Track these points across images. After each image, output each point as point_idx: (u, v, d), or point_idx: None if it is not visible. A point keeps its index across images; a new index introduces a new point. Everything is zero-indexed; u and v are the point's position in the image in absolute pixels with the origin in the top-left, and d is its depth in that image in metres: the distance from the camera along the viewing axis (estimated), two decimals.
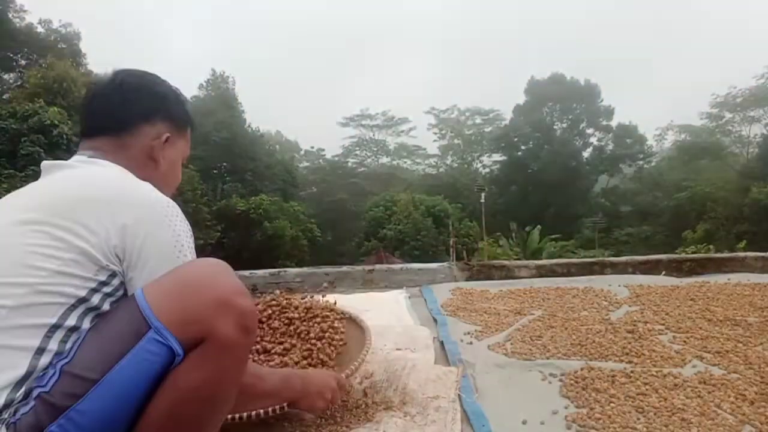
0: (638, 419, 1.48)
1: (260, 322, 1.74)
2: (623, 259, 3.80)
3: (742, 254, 3.76)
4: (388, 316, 2.64)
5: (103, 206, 1.07)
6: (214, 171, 32.16)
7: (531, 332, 2.28)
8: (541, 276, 3.55)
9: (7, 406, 0.92)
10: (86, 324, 1.02)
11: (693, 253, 14.32)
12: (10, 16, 24.41)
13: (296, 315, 1.80)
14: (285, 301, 1.85)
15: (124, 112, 1.27)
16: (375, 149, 47.33)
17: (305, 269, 3.61)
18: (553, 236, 26.80)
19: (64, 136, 18.51)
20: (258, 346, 1.68)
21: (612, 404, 1.57)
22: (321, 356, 1.64)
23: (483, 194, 27.63)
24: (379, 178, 43.50)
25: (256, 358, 1.64)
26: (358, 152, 47.15)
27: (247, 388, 1.21)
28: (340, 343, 1.72)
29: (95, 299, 1.04)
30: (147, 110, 1.30)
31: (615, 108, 40.37)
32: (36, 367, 0.96)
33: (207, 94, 34.23)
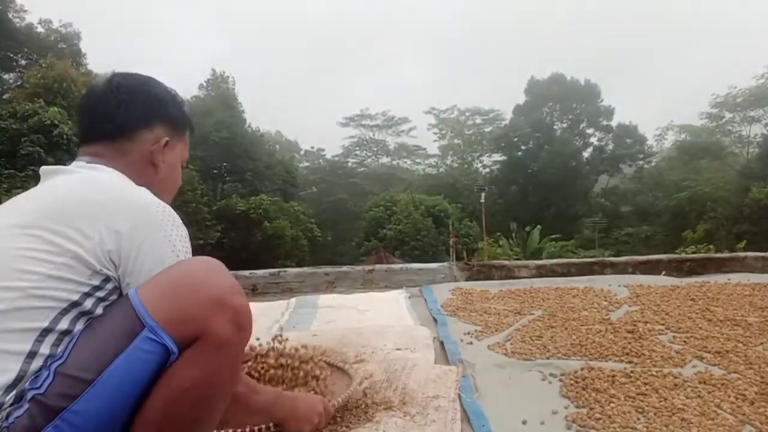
0: (638, 419, 1.48)
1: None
2: (623, 259, 3.80)
3: (742, 254, 3.76)
4: (388, 316, 2.64)
5: (98, 211, 1.07)
6: (214, 171, 32.16)
7: (531, 332, 2.28)
8: (541, 276, 3.56)
9: None
10: (79, 328, 1.02)
11: (693, 253, 14.32)
12: (10, 16, 24.41)
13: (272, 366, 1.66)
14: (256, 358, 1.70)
15: (122, 117, 1.26)
16: (375, 149, 47.36)
17: (305, 269, 3.61)
18: (553, 236, 26.80)
19: (64, 136, 18.50)
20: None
21: (612, 404, 1.57)
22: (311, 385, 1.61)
23: (483, 194, 27.64)
24: (379, 178, 43.51)
25: None
26: (358, 152, 47.19)
27: (240, 397, 1.20)
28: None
29: (88, 303, 1.03)
30: (145, 114, 1.29)
31: (615, 108, 40.42)
32: (27, 371, 0.95)
33: (207, 94, 34.25)
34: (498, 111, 44.61)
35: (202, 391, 1.02)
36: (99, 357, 0.96)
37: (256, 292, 3.33)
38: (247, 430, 1.29)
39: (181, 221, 1.16)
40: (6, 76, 26.27)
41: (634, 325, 2.30)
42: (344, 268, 3.59)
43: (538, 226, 27.20)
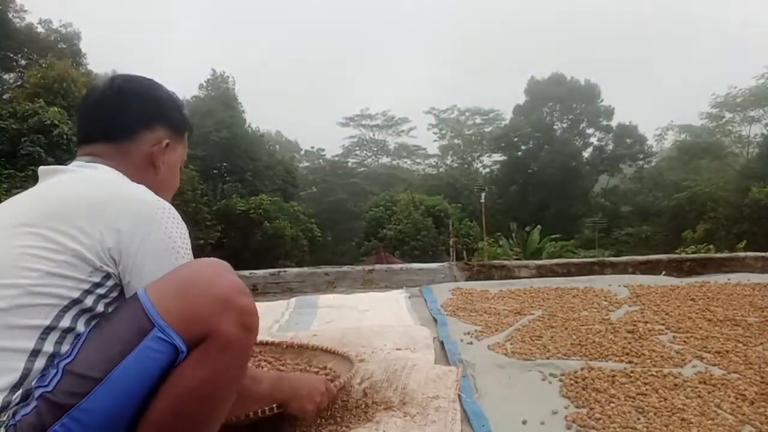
0: (638, 419, 1.48)
1: None
2: (623, 259, 3.80)
3: (742, 254, 3.76)
4: (388, 316, 2.64)
5: (98, 209, 1.07)
6: (214, 171, 32.18)
7: (531, 332, 2.27)
8: (541, 276, 3.55)
9: (4, 408, 0.92)
10: (80, 325, 1.02)
11: (693, 253, 14.33)
12: (10, 16, 24.41)
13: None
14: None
15: (123, 119, 1.27)
16: (375, 149, 47.40)
17: (305, 269, 3.61)
18: (553, 236, 26.81)
19: (64, 136, 18.51)
20: None
21: (612, 404, 1.57)
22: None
23: (483, 194, 27.68)
24: (379, 178, 43.54)
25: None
26: (358, 152, 47.24)
27: (243, 390, 1.21)
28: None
29: (89, 301, 1.04)
30: (146, 116, 1.30)
31: (615, 108, 40.47)
32: (32, 369, 0.96)
33: (207, 94, 34.26)
34: (498, 111, 44.71)
35: (209, 390, 1.02)
36: (108, 355, 0.96)
37: (256, 292, 3.32)
38: (251, 414, 1.29)
39: (180, 218, 1.17)
40: (6, 76, 26.29)
41: (634, 325, 2.30)
42: (344, 268, 3.58)
43: (538, 226, 27.21)
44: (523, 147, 40.32)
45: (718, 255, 3.98)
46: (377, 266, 3.68)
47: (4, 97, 23.80)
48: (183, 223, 1.16)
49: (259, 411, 1.30)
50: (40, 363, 0.96)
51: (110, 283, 1.07)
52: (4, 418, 0.91)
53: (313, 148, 47.64)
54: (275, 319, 2.64)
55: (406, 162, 47.83)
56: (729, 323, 2.32)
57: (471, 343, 2.21)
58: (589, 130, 41.31)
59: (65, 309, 1.01)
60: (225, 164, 32.02)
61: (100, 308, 1.05)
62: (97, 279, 1.05)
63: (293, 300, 3.01)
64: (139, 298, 1.01)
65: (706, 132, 36.21)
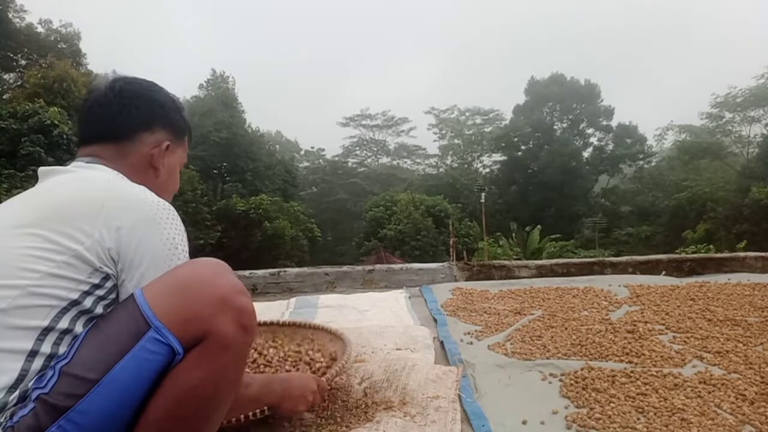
0: (638, 419, 1.48)
1: None
2: (623, 259, 3.80)
3: (742, 254, 3.75)
4: (388, 316, 2.64)
5: (98, 209, 1.07)
6: (214, 171, 32.17)
7: (531, 332, 2.27)
8: (541, 276, 3.55)
9: (1, 409, 0.92)
10: (79, 327, 1.02)
11: (693, 253, 14.33)
12: (10, 16, 24.40)
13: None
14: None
15: (123, 120, 1.27)
16: (375, 149, 47.39)
17: (305, 269, 3.60)
18: (553, 236, 26.84)
19: (64, 136, 18.51)
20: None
21: (612, 404, 1.57)
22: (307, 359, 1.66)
23: (483, 194, 27.68)
24: (379, 178, 43.54)
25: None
26: (358, 152, 47.24)
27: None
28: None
29: (88, 302, 1.04)
30: (147, 118, 1.30)
31: (615, 108, 40.48)
32: (29, 370, 0.95)
33: (207, 94, 34.26)
34: (498, 111, 44.70)
35: (207, 391, 1.02)
36: (104, 357, 0.96)
37: (256, 292, 3.32)
38: (242, 417, 1.29)
39: (180, 219, 1.17)
40: (6, 76, 26.27)
41: (634, 325, 2.30)
42: (344, 268, 3.58)
43: (538, 226, 27.24)
44: (523, 147, 40.32)
45: (718, 255, 3.97)
46: (377, 266, 3.67)
47: (4, 97, 23.79)
48: (182, 225, 1.17)
49: (250, 414, 1.30)
50: (37, 364, 0.96)
51: (109, 284, 1.07)
52: (2, 420, 0.91)
53: (313, 148, 47.70)
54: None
55: (406, 162, 47.85)
56: (729, 323, 2.32)
57: (471, 343, 2.21)
58: (589, 130, 41.33)
59: (64, 310, 1.01)
60: (225, 164, 32.02)
61: (99, 310, 1.05)
62: (96, 280, 1.05)
63: (293, 300, 3.01)
64: (135, 299, 1.01)
65: (706, 132, 36.18)
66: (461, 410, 1.56)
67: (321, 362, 1.69)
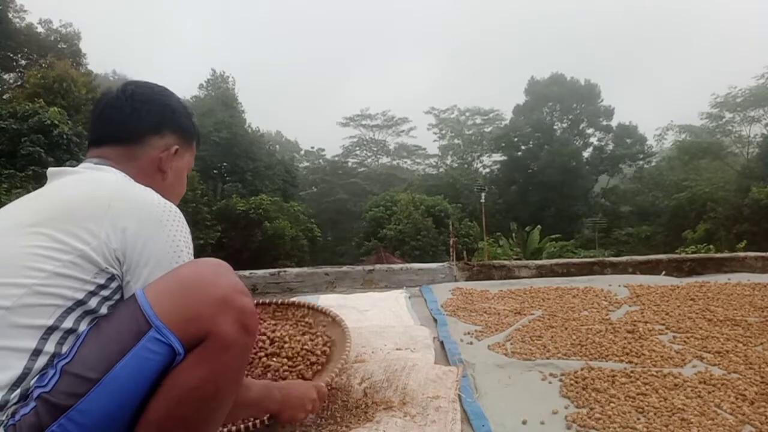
0: (638, 419, 1.48)
1: None
2: (623, 259, 3.80)
3: (742, 254, 3.75)
4: (388, 316, 2.64)
5: (105, 210, 1.08)
6: (214, 171, 32.18)
7: (531, 332, 2.27)
8: (541, 276, 3.55)
9: (2, 407, 0.92)
10: (83, 327, 1.02)
11: (693, 253, 14.32)
12: (10, 16, 24.39)
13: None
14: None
15: (134, 123, 1.29)
16: (375, 149, 47.39)
17: (305, 269, 3.60)
18: (553, 236, 26.84)
19: (64, 136, 18.52)
20: None
21: (612, 404, 1.57)
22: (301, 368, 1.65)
23: (483, 194, 27.68)
24: (379, 178, 43.55)
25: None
26: (358, 152, 47.23)
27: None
28: (319, 361, 1.69)
29: (93, 302, 1.04)
30: (157, 122, 1.32)
31: (615, 108, 40.48)
32: (32, 369, 0.96)
33: (207, 94, 34.28)
34: (498, 111, 44.69)
35: (208, 391, 1.02)
36: (105, 356, 0.97)
37: (256, 292, 3.32)
38: (242, 425, 1.29)
39: (185, 221, 1.18)
40: (6, 76, 26.26)
41: (634, 325, 2.30)
42: (344, 268, 3.58)
43: (538, 226, 27.24)
44: (523, 147, 40.31)
45: (718, 255, 3.97)
46: (377, 266, 3.67)
47: (4, 97, 23.78)
48: (187, 227, 1.18)
49: (251, 423, 1.30)
50: (40, 363, 0.97)
51: (114, 285, 1.07)
52: (3, 417, 0.92)
53: (313, 148, 47.70)
54: None
55: (406, 162, 47.84)
56: (729, 323, 2.32)
57: (471, 343, 2.21)
58: (589, 130, 41.33)
59: (69, 310, 1.01)
60: (225, 164, 32.02)
61: (103, 310, 1.06)
62: (101, 281, 1.05)
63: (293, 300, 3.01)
64: (136, 299, 1.02)
65: (706, 132, 36.16)
66: (461, 410, 1.56)
67: (317, 354, 1.68)
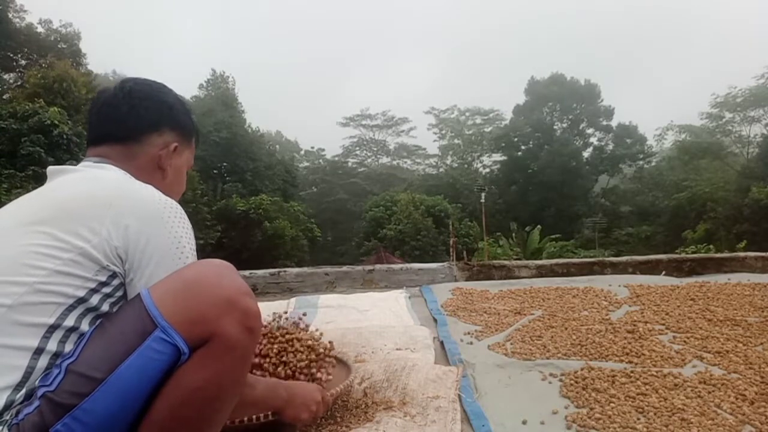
0: (638, 419, 1.48)
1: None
2: (623, 259, 3.80)
3: (742, 254, 3.76)
4: (388, 316, 2.65)
5: (106, 207, 1.08)
6: (214, 171, 32.17)
7: (531, 332, 2.28)
8: (541, 276, 3.55)
9: (7, 407, 0.92)
10: (85, 325, 1.02)
11: (693, 253, 14.32)
12: (10, 16, 24.38)
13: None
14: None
15: (132, 121, 1.28)
16: (375, 149, 47.39)
17: (305, 269, 3.60)
18: (553, 236, 26.84)
19: (64, 136, 18.51)
20: None
21: (612, 404, 1.57)
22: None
23: (483, 194, 27.68)
24: (379, 178, 43.54)
25: None
26: (358, 152, 47.23)
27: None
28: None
29: (94, 300, 1.04)
30: (155, 119, 1.31)
31: (615, 108, 40.46)
32: (35, 368, 0.96)
33: (207, 94, 34.27)
34: (498, 111, 44.68)
35: (211, 391, 1.02)
36: (110, 356, 0.97)
37: (256, 292, 3.32)
38: (245, 419, 1.29)
39: (187, 217, 1.17)
40: (6, 76, 26.25)
41: (634, 325, 2.30)
42: (344, 268, 3.58)
43: (538, 226, 27.24)
44: (523, 147, 40.31)
45: (718, 255, 3.97)
46: (377, 266, 3.67)
47: (4, 97, 23.77)
48: (189, 224, 1.17)
49: (254, 417, 1.30)
50: (43, 361, 0.97)
51: (116, 282, 1.07)
52: (7, 417, 0.92)
53: (313, 148, 47.70)
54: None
55: (406, 162, 47.84)
56: (729, 323, 2.32)
57: (471, 343, 2.21)
58: (589, 130, 41.31)
59: (71, 308, 1.01)
60: (225, 164, 32.02)
61: (105, 308, 1.06)
62: (103, 278, 1.05)
63: (293, 300, 3.01)
64: (142, 299, 1.02)
65: (706, 132, 36.14)
66: (461, 410, 1.56)
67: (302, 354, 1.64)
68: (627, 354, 1.98)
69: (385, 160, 47.53)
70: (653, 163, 39.79)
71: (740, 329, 2.24)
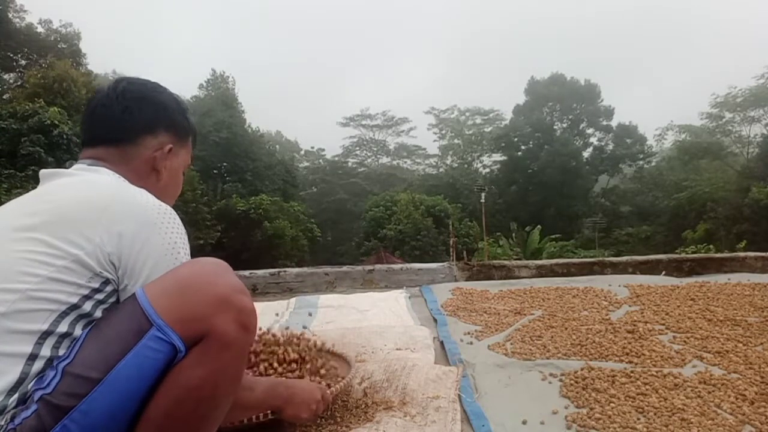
0: (638, 419, 1.48)
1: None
2: (623, 259, 3.80)
3: (742, 254, 3.76)
4: (388, 316, 2.64)
5: (99, 213, 1.07)
6: (214, 171, 32.18)
7: (531, 332, 2.27)
8: (541, 276, 3.55)
9: (0, 412, 0.92)
10: (78, 331, 1.02)
11: (693, 253, 14.32)
12: (10, 16, 24.38)
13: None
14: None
15: (126, 123, 1.26)
16: (375, 149, 47.40)
17: (305, 269, 3.60)
18: (553, 236, 26.85)
19: (64, 136, 18.51)
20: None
21: (612, 404, 1.57)
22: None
23: (483, 194, 27.69)
24: (379, 178, 43.55)
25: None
26: (358, 152, 47.24)
27: (235, 399, 1.20)
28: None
29: (87, 306, 1.04)
30: (150, 120, 1.29)
31: (615, 108, 40.48)
32: (29, 373, 0.95)
33: (207, 94, 34.29)
34: (498, 111, 44.70)
35: (207, 390, 1.02)
36: (106, 356, 0.96)
37: (256, 292, 3.32)
38: (245, 419, 1.29)
39: (181, 222, 1.16)
40: (6, 76, 26.25)
41: (634, 325, 2.30)
42: (344, 268, 3.58)
43: (538, 226, 27.24)
44: (523, 147, 40.30)
45: (718, 255, 3.97)
46: (377, 266, 3.67)
47: (4, 97, 23.77)
48: (183, 229, 1.16)
49: (253, 417, 1.30)
50: (37, 367, 0.96)
51: (109, 289, 1.06)
52: (2, 423, 0.91)
53: (313, 148, 47.71)
54: (275, 319, 2.64)
55: (406, 162, 47.85)
56: (729, 323, 2.32)
57: (471, 343, 2.21)
58: (589, 130, 41.33)
59: (63, 314, 1.01)
60: (225, 164, 32.02)
61: (98, 314, 1.05)
62: (96, 285, 1.04)
63: (293, 300, 3.01)
64: (137, 298, 1.01)
65: (706, 132, 36.15)
66: (461, 410, 1.56)
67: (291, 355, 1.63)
68: (627, 354, 1.98)
69: (385, 160, 47.57)
70: (653, 163, 39.80)
71: (740, 329, 2.24)
